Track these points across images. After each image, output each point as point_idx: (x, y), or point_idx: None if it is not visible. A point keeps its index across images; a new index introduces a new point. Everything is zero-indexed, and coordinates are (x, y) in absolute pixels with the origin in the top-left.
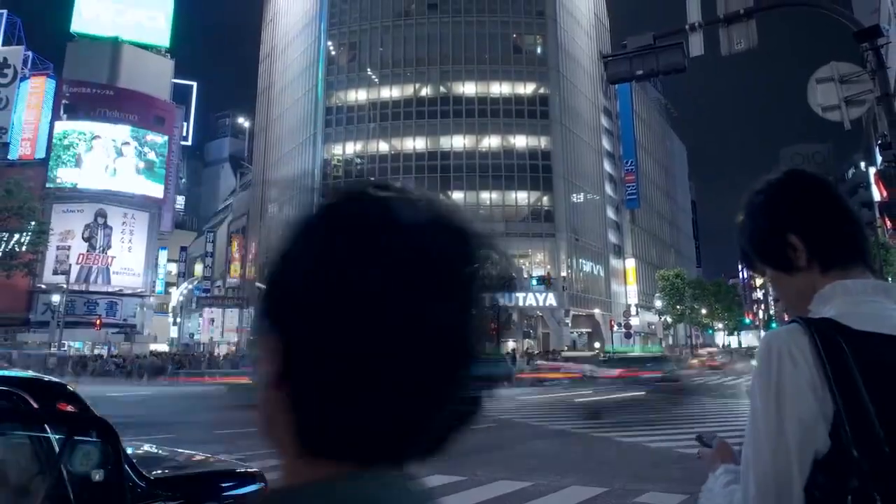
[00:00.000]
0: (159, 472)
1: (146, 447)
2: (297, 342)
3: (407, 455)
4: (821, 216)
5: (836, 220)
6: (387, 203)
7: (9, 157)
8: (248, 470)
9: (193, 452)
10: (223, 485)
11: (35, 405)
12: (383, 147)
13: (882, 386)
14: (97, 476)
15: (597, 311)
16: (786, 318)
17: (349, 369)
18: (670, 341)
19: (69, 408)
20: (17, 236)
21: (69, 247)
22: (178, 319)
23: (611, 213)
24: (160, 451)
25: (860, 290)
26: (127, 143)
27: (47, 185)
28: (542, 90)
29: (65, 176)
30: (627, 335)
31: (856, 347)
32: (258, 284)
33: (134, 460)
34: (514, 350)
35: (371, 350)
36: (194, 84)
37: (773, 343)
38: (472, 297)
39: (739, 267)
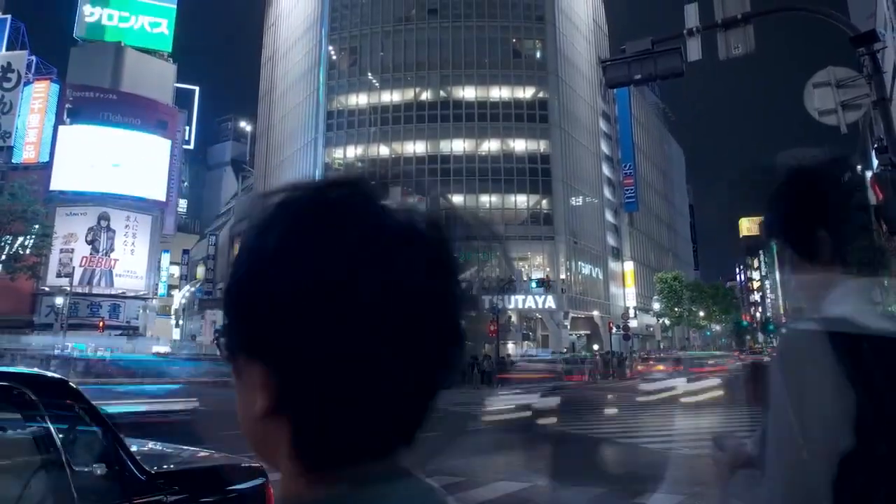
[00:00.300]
0: (162, 467)
1: (151, 444)
2: (292, 377)
3: (397, 449)
4: (850, 220)
5: (860, 226)
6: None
7: (13, 160)
8: (252, 465)
9: (197, 449)
10: (226, 479)
11: (37, 400)
12: (384, 151)
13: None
14: (98, 467)
15: (595, 313)
16: (781, 312)
17: (349, 389)
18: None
19: (69, 402)
20: (20, 239)
21: (72, 249)
22: (181, 321)
23: (609, 217)
24: (164, 448)
25: (867, 289)
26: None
27: (50, 189)
28: (541, 94)
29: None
30: (626, 337)
31: (874, 346)
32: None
33: (138, 457)
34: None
35: (369, 363)
36: (197, 88)
37: (793, 342)
38: (462, 294)
39: (737, 270)
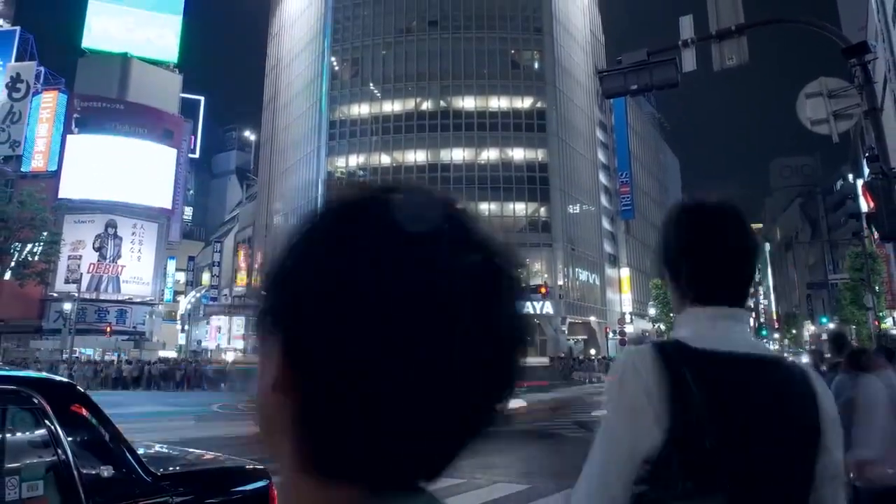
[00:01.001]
0: (167, 469)
1: (157, 447)
2: (307, 343)
3: (424, 474)
4: (705, 264)
5: (717, 269)
6: (420, 207)
7: (22, 169)
8: (256, 467)
9: (203, 452)
10: (231, 481)
11: (45, 403)
12: (385, 160)
13: (713, 396)
14: (104, 469)
15: (592, 318)
16: (774, 318)
17: (371, 377)
18: None
19: (77, 406)
20: (30, 246)
21: (80, 256)
22: (187, 327)
23: (606, 224)
24: (171, 451)
25: (708, 316)
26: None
27: (59, 197)
28: (539, 104)
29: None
30: (622, 342)
31: (693, 363)
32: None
33: (144, 459)
34: None
35: (394, 358)
36: (202, 98)
37: (626, 359)
38: (504, 303)
39: None
